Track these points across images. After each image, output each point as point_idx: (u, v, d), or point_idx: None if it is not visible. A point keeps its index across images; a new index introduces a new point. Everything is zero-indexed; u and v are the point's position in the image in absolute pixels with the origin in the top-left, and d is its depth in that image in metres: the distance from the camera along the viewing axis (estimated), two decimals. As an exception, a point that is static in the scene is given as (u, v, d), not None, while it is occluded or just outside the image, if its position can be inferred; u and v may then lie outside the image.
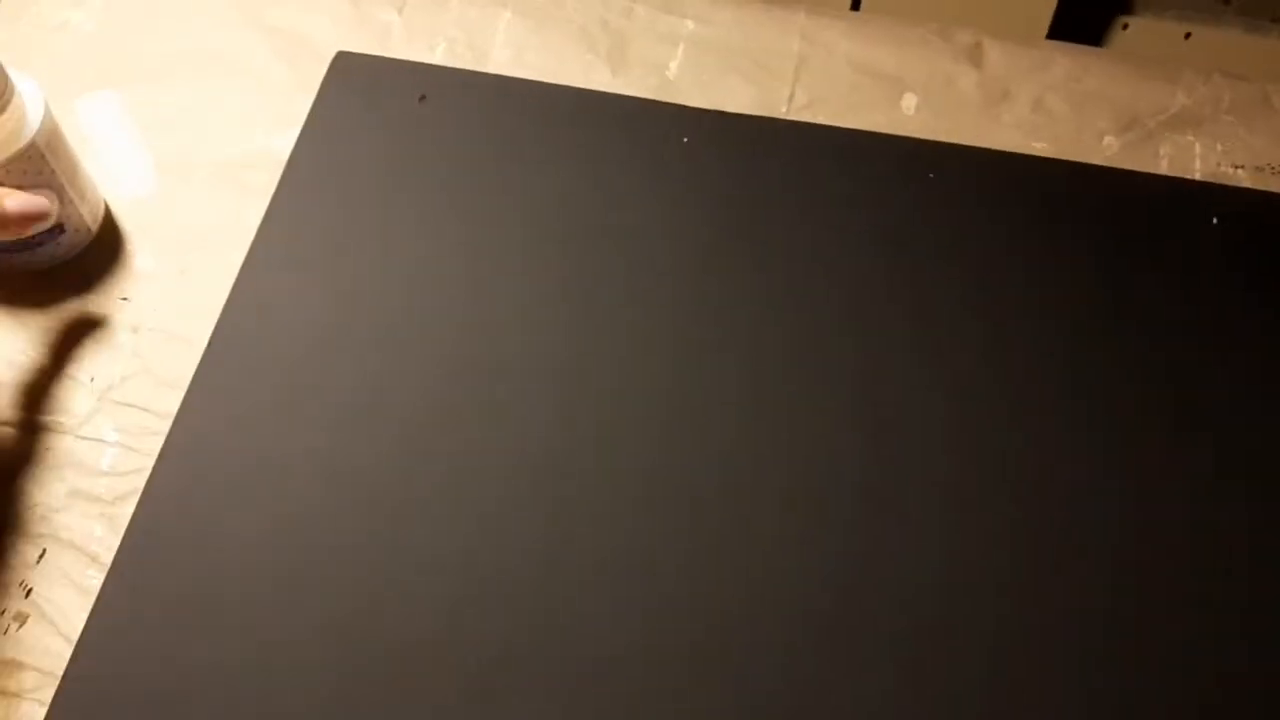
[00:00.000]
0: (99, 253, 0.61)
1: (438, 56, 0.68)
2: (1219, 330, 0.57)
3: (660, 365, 0.58)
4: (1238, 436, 0.55)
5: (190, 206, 0.63)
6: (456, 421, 0.56)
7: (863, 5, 0.92)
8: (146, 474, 0.55)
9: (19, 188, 0.54)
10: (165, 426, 0.56)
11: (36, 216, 0.53)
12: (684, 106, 0.66)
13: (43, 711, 0.49)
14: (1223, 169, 0.63)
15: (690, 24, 0.69)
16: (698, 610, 0.52)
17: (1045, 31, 0.91)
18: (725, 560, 0.53)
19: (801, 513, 0.54)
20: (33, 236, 0.57)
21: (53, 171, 0.56)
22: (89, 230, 0.61)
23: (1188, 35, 0.97)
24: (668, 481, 0.55)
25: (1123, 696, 0.50)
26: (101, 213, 0.62)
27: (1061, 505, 0.54)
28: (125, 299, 0.60)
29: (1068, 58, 0.67)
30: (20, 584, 0.52)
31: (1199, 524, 0.53)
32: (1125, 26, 0.98)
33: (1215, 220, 0.60)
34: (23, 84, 0.55)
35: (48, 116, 0.55)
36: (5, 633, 0.51)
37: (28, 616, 0.52)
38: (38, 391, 0.57)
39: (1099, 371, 0.57)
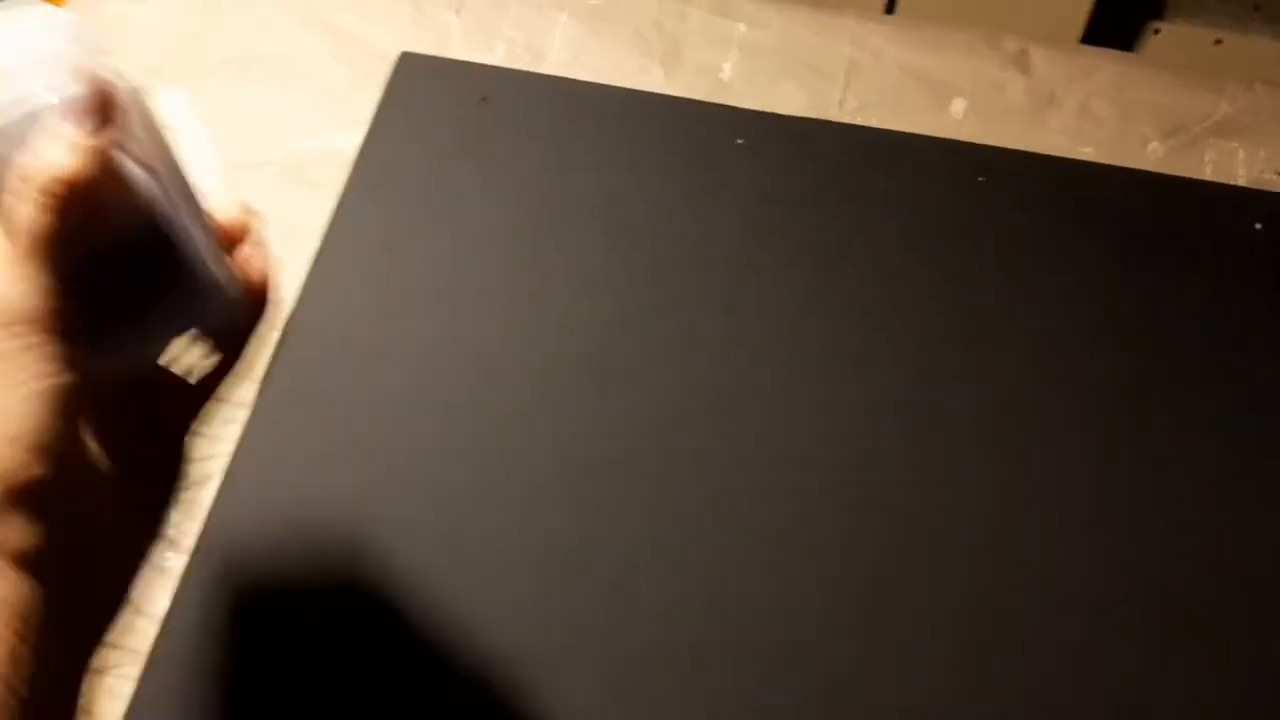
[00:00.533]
0: (171, 246, 0.63)
1: (497, 57, 0.70)
2: (1263, 334, 0.59)
3: (712, 363, 0.59)
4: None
5: (258, 203, 0.65)
6: (512, 417, 0.58)
7: (898, 8, 0.93)
8: (222, 461, 0.56)
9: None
10: (241, 415, 0.58)
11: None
12: (738, 108, 0.67)
13: (129, 687, 0.51)
14: (1265, 175, 0.64)
15: (742, 27, 0.71)
16: (730, 607, 0.53)
17: (1080, 35, 0.93)
18: (762, 555, 0.54)
19: (835, 507, 0.55)
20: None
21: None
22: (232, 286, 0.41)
23: (1218, 41, 0.98)
24: (708, 477, 0.56)
25: (1146, 695, 0.51)
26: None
27: (1101, 506, 0.55)
28: (199, 291, 0.62)
29: (1113, 65, 0.69)
30: (104, 565, 0.54)
31: (1236, 524, 0.55)
32: (1156, 31, 0.99)
33: (1259, 226, 0.62)
34: None
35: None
36: (91, 612, 0.53)
37: (112, 596, 0.53)
38: (116, 379, 0.59)
39: (1140, 374, 0.59)
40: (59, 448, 0.33)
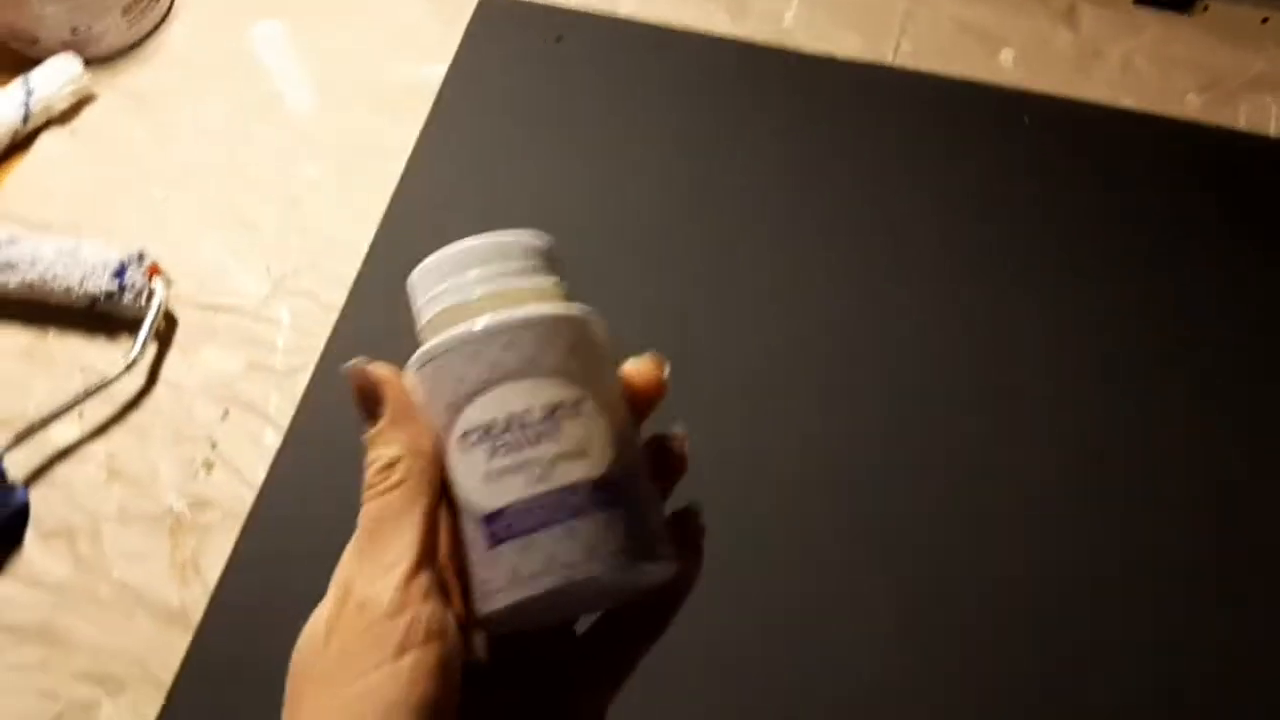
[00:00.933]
0: (268, 160, 0.69)
1: (572, 1, 0.75)
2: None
3: (763, 292, 0.64)
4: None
5: (347, 126, 0.70)
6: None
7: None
8: (315, 354, 0.62)
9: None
10: (331, 317, 0.63)
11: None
12: (798, 52, 0.72)
13: (228, 545, 0.57)
14: (1298, 128, 0.68)
15: (805, -21, 0.75)
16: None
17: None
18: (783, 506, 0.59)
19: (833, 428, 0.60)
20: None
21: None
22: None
23: (1265, 20, 1.01)
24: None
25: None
26: None
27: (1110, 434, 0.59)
28: (296, 202, 0.67)
29: (1157, 24, 0.73)
30: (207, 438, 0.60)
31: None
32: (1205, 8, 1.02)
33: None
34: None
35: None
36: (196, 477, 0.59)
37: (214, 465, 0.59)
38: (219, 278, 0.64)
39: (1164, 303, 0.62)
40: None
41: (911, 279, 0.64)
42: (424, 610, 0.29)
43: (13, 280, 0.61)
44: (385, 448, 0.31)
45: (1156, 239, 0.64)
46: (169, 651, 0.54)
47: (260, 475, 0.58)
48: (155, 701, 0.53)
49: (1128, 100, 0.70)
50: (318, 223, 0.67)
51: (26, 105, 0.69)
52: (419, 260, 0.33)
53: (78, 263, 0.61)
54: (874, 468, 0.58)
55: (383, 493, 0.31)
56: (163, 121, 0.71)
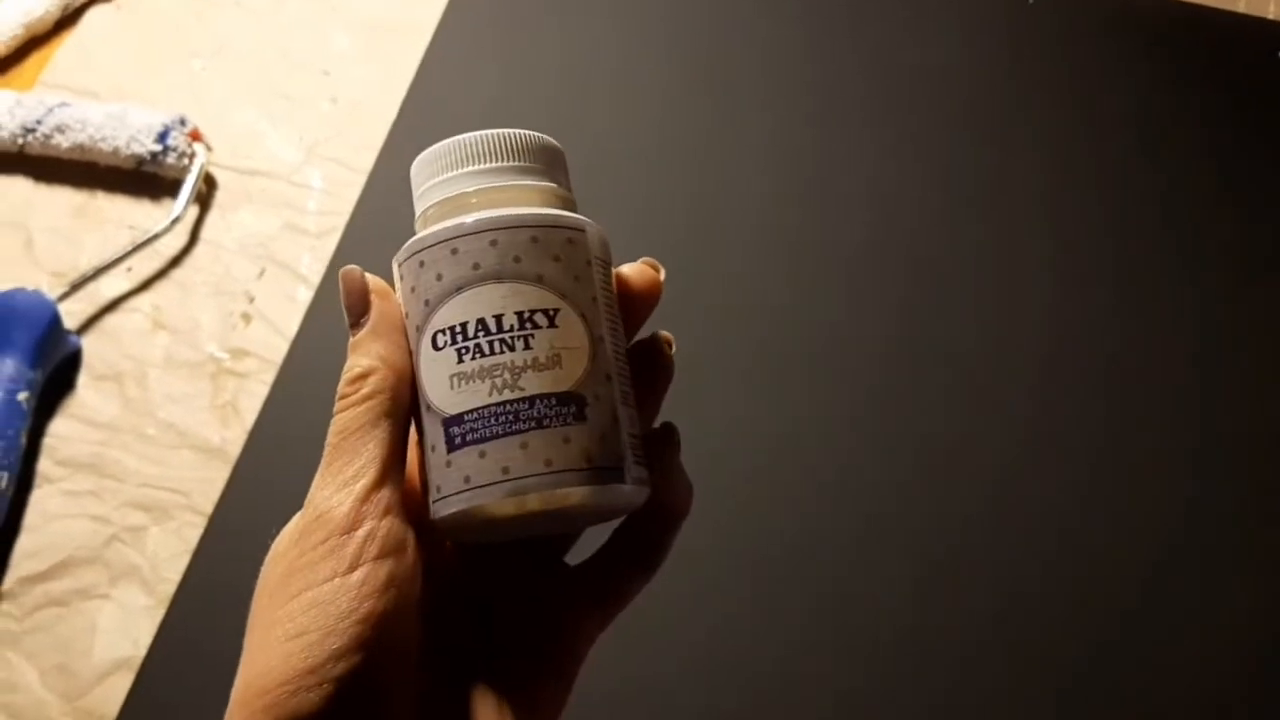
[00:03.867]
0: (301, 34, 0.72)
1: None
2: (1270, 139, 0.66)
3: (794, 201, 0.67)
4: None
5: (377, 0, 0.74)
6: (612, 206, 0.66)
7: None
8: (345, 216, 0.66)
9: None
10: (361, 180, 0.67)
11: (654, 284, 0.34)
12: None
13: (264, 390, 0.61)
14: (1294, 12, 0.70)
15: None
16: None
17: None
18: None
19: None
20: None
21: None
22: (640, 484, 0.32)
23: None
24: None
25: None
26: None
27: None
28: (326, 73, 0.71)
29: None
30: (245, 293, 0.64)
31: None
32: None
33: (1278, 54, 0.68)
34: None
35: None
36: (234, 328, 0.63)
37: (251, 318, 0.63)
38: (254, 144, 0.68)
39: (1166, 179, 0.65)
40: (377, 642, 0.28)
41: (893, 153, 0.67)
42: (381, 526, 0.29)
43: (65, 142, 0.65)
44: (361, 357, 0.31)
45: (1154, 108, 0.67)
46: (210, 484, 0.59)
47: (294, 328, 0.63)
48: (197, 528, 0.58)
49: (1133, -15, 0.72)
50: (347, 93, 0.70)
51: (74, -21, 0.72)
52: (444, 128, 0.33)
53: (124, 126, 0.66)
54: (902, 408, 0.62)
55: (350, 405, 0.30)
56: (202, -3, 0.74)
